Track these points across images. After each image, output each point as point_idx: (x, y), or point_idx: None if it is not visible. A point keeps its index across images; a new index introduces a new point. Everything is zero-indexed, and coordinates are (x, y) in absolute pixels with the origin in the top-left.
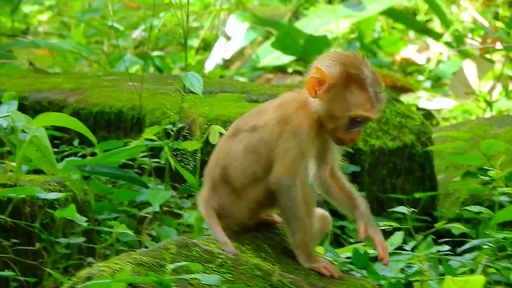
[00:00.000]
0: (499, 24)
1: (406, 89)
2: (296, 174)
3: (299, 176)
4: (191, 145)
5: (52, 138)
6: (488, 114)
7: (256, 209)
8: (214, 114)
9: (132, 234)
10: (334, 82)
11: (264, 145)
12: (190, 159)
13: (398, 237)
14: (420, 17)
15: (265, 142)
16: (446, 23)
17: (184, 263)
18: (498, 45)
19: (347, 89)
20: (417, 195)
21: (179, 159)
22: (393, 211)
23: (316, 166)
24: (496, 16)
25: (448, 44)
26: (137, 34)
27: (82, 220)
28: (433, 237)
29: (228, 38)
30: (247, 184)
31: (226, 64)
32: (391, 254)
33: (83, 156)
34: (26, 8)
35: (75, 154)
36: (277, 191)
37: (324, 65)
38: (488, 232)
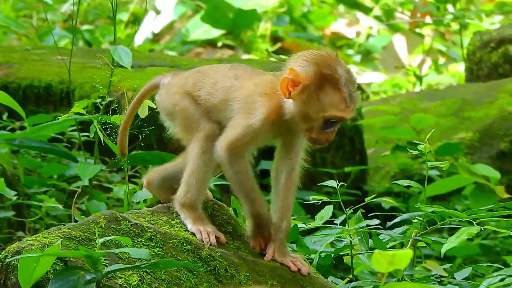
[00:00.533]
0: None
1: None
2: (239, 152)
3: (242, 155)
4: (120, 119)
5: None
6: (417, 88)
7: None
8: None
9: (62, 208)
10: (308, 83)
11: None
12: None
13: (327, 211)
14: None
15: (226, 101)
16: None
17: (114, 237)
18: (428, 19)
19: (321, 90)
20: (347, 169)
21: (108, 133)
22: (323, 185)
23: (278, 157)
24: None
25: (377, 18)
26: (66, 7)
27: (11, 194)
28: (363, 211)
29: (158, 12)
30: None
31: (156, 38)
32: (321, 228)
33: (12, 130)
34: None
35: (4, 128)
36: (220, 162)
37: (298, 65)
38: (417, 206)
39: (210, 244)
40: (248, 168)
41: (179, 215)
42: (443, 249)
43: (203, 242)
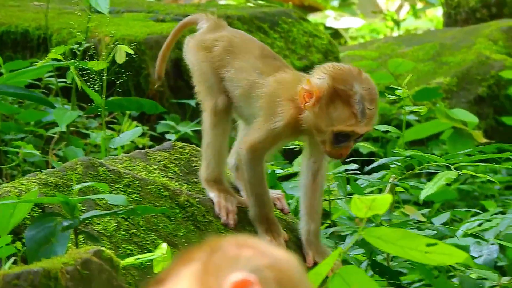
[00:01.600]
0: None
1: (314, 8)
2: (260, 155)
3: (262, 156)
4: (97, 65)
5: None
6: (395, 33)
7: None
8: (120, 34)
9: (39, 154)
10: (320, 96)
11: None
12: (96, 79)
13: None
14: None
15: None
16: None
17: (91, 183)
18: None
19: (331, 104)
20: None
21: (85, 79)
22: None
23: (304, 159)
24: None
25: None
26: None
27: None
28: None
29: None
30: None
31: None
32: (296, 173)
33: None
34: None
35: None
36: (241, 160)
37: (316, 77)
38: (396, 151)
39: (227, 225)
40: (264, 172)
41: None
42: (422, 195)
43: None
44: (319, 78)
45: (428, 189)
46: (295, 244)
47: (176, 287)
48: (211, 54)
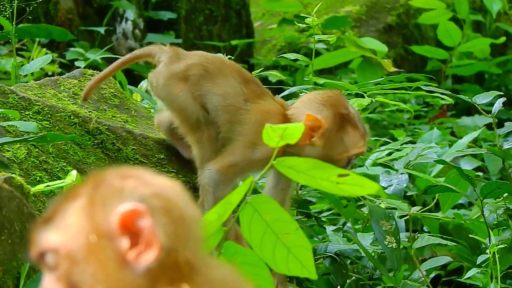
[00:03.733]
0: None
1: None
2: (231, 178)
3: (232, 180)
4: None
5: None
6: None
7: None
8: None
9: None
10: (329, 127)
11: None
12: (6, 6)
13: None
14: None
15: (232, 122)
16: None
17: (1, 110)
18: None
19: (342, 131)
20: (233, 42)
21: None
22: None
23: (270, 186)
24: None
25: None
26: None
27: None
28: None
29: None
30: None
31: None
32: None
33: None
34: None
35: None
36: (204, 183)
37: (314, 110)
38: (307, 79)
39: None
40: None
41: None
42: None
43: None
44: (319, 110)
45: None
46: None
47: (64, 224)
48: (188, 84)
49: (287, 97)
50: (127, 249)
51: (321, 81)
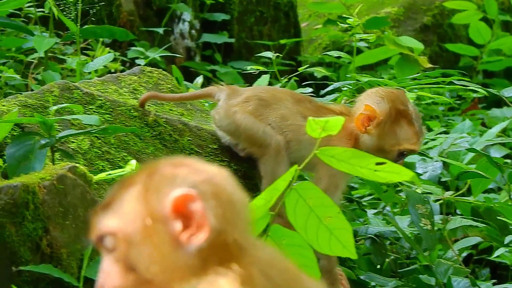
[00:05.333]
0: None
1: None
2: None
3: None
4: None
5: None
6: None
7: None
8: None
9: (19, 78)
10: (384, 118)
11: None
12: (72, 8)
13: (264, 80)
14: None
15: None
16: None
17: (66, 104)
18: None
19: (397, 125)
20: (282, 41)
21: (61, 8)
22: (261, 56)
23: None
24: None
25: None
26: None
27: None
28: (297, 78)
29: None
30: None
31: None
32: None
33: None
34: None
35: None
36: None
37: (373, 102)
38: (349, 75)
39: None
40: None
41: None
42: None
43: None
44: (377, 102)
45: None
46: None
47: (121, 209)
48: (248, 112)
49: (330, 91)
50: (180, 231)
51: (364, 79)
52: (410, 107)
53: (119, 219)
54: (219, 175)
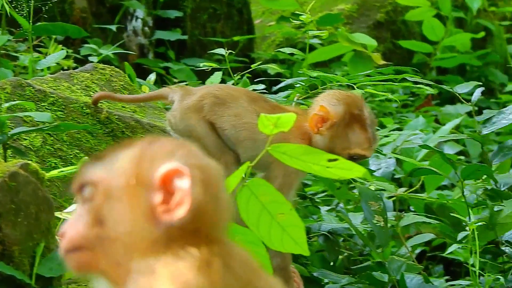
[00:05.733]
0: None
1: None
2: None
3: (292, 196)
4: None
5: None
6: None
7: None
8: None
9: None
10: (337, 121)
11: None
12: (24, 5)
13: (217, 77)
14: None
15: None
16: None
17: (19, 101)
18: None
19: (349, 128)
20: (235, 38)
21: (14, 5)
22: (214, 52)
23: None
24: None
25: None
26: None
27: None
28: (250, 75)
29: None
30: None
31: None
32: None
33: None
34: None
35: None
36: None
37: (329, 103)
38: (301, 71)
39: None
40: None
41: None
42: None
43: None
44: (333, 104)
45: None
46: None
47: (111, 164)
48: (203, 113)
49: (283, 88)
50: (158, 203)
51: (313, 73)
52: (366, 113)
53: (106, 172)
54: (214, 168)
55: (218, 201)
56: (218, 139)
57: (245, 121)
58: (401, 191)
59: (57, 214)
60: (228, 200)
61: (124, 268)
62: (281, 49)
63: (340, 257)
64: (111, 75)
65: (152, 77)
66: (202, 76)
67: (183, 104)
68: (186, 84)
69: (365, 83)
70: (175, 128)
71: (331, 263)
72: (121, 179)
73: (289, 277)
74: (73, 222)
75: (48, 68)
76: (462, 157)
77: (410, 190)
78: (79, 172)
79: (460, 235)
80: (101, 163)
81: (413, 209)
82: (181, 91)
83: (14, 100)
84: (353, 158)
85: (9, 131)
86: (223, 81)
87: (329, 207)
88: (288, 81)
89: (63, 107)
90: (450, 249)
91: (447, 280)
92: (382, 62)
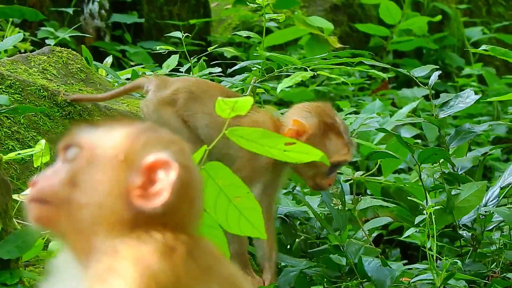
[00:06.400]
0: None
1: None
2: None
3: None
4: None
5: None
6: None
7: None
8: None
9: None
10: (313, 132)
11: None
12: None
13: (174, 60)
14: None
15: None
16: None
17: None
18: None
19: (326, 138)
20: (192, 21)
21: None
22: (170, 36)
23: (259, 192)
24: None
25: None
26: None
27: None
28: (206, 58)
29: None
30: None
31: None
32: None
33: None
34: None
35: None
36: None
37: (301, 116)
38: (257, 54)
39: None
40: None
41: None
42: (279, 88)
43: None
44: (305, 117)
45: (284, 84)
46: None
47: (105, 134)
48: (176, 108)
49: (239, 71)
50: (136, 186)
51: (267, 54)
52: (338, 120)
53: (96, 139)
54: (198, 174)
55: (192, 203)
56: (191, 134)
57: (218, 118)
58: (358, 174)
59: (14, 196)
60: (201, 205)
61: (85, 238)
62: (237, 32)
63: (297, 240)
64: (68, 58)
65: (108, 60)
66: (159, 59)
67: (157, 95)
68: (143, 67)
69: (321, 65)
70: (148, 118)
71: (288, 247)
72: (110, 150)
73: (247, 262)
74: (47, 175)
75: (5, 51)
76: (419, 141)
77: (367, 173)
78: (71, 132)
79: (417, 219)
80: (94, 131)
81: (370, 193)
82: (156, 81)
83: None
84: (334, 165)
85: None
86: (179, 64)
87: (286, 190)
88: (244, 63)
89: (20, 90)
90: (407, 233)
91: (404, 264)
92: (339, 45)
